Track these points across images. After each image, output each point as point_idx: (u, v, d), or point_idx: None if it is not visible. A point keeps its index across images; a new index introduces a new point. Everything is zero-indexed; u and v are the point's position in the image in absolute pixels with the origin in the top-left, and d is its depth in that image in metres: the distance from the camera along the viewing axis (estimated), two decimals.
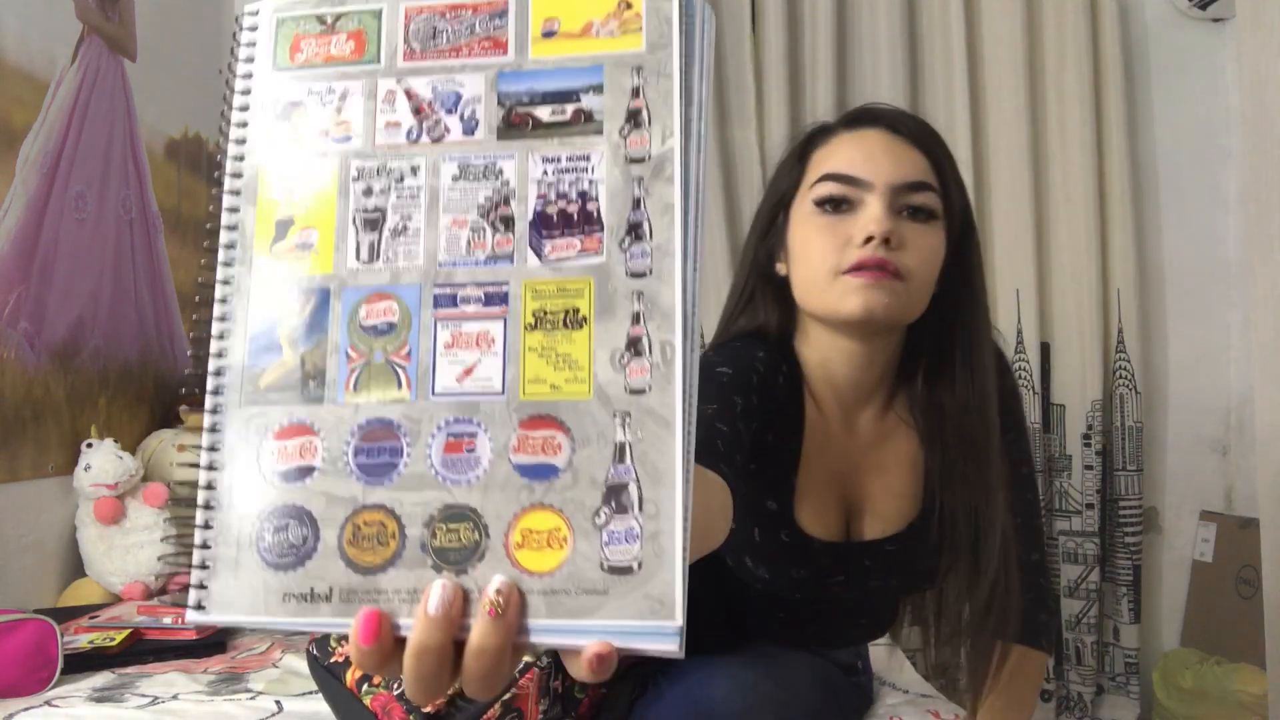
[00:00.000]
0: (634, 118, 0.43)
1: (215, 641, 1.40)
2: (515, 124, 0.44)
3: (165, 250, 2.01)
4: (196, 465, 0.43)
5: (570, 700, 0.93)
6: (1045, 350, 2.19)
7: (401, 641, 0.39)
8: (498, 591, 0.38)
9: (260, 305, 0.44)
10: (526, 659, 0.88)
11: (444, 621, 0.38)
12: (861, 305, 0.90)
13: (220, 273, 0.44)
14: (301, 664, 1.22)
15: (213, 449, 0.43)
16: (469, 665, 0.38)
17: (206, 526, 0.42)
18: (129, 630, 1.37)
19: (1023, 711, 1.06)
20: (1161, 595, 2.26)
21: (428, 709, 0.88)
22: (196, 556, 0.42)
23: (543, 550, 0.39)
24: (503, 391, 0.41)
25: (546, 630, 0.39)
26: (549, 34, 0.44)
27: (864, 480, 1.03)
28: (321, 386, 0.43)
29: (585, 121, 0.43)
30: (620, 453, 0.40)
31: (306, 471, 0.42)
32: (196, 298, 0.46)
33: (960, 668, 1.04)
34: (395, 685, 0.90)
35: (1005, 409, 1.06)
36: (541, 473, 0.40)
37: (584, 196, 0.43)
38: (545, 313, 0.42)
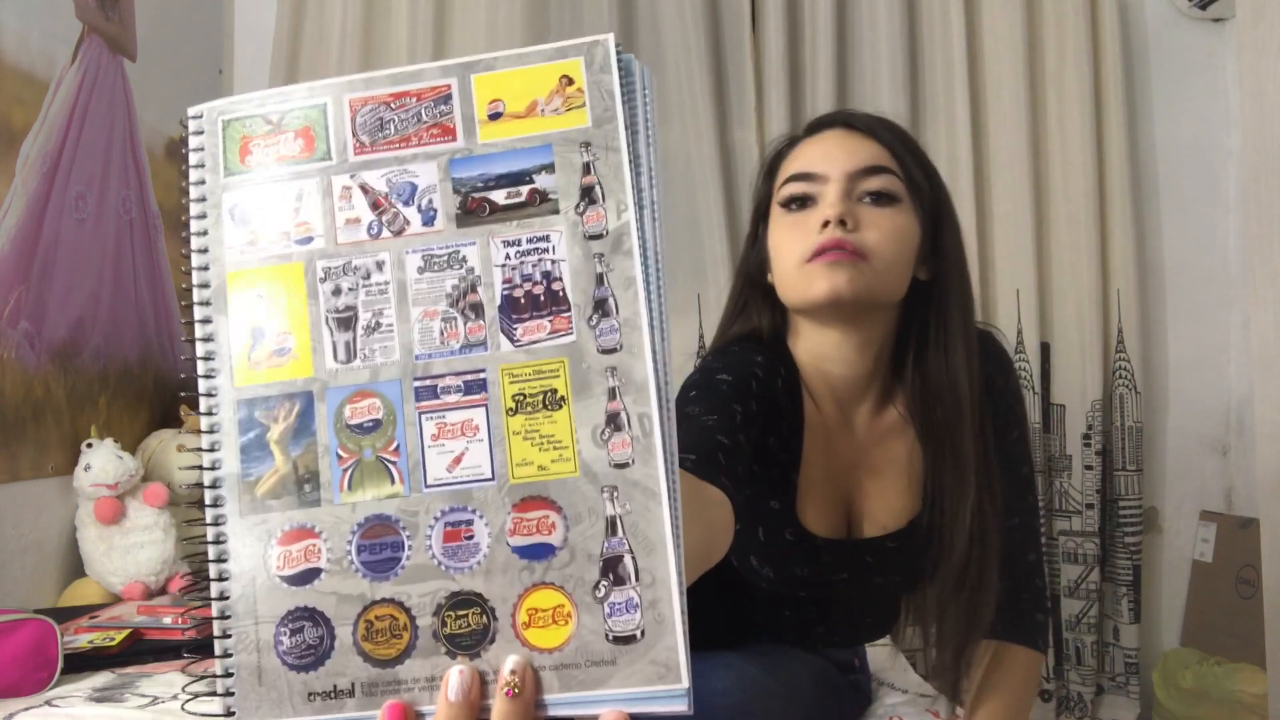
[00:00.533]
0: (588, 194, 0.43)
1: None
2: (472, 210, 0.44)
3: (165, 250, 2.01)
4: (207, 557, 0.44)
5: None
6: (1045, 350, 2.19)
7: None
8: (512, 672, 0.40)
9: (246, 413, 0.44)
10: None
11: (464, 706, 0.40)
12: (827, 287, 0.93)
13: (202, 385, 0.45)
14: None
15: (220, 560, 0.43)
16: None
17: (225, 636, 0.43)
18: (129, 630, 1.37)
19: (1021, 711, 1.06)
20: (1161, 595, 2.26)
21: None
22: (219, 666, 0.43)
23: (549, 627, 0.41)
24: (493, 477, 0.42)
25: (561, 703, 0.40)
26: (495, 116, 0.45)
27: (864, 478, 1.04)
28: (317, 489, 0.43)
29: (541, 202, 0.44)
30: (612, 526, 0.41)
31: (314, 574, 0.43)
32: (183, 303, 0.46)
33: (947, 665, 1.05)
34: None
35: (1007, 409, 1.06)
36: (539, 552, 0.41)
37: (548, 277, 0.43)
38: (524, 395, 0.43)
